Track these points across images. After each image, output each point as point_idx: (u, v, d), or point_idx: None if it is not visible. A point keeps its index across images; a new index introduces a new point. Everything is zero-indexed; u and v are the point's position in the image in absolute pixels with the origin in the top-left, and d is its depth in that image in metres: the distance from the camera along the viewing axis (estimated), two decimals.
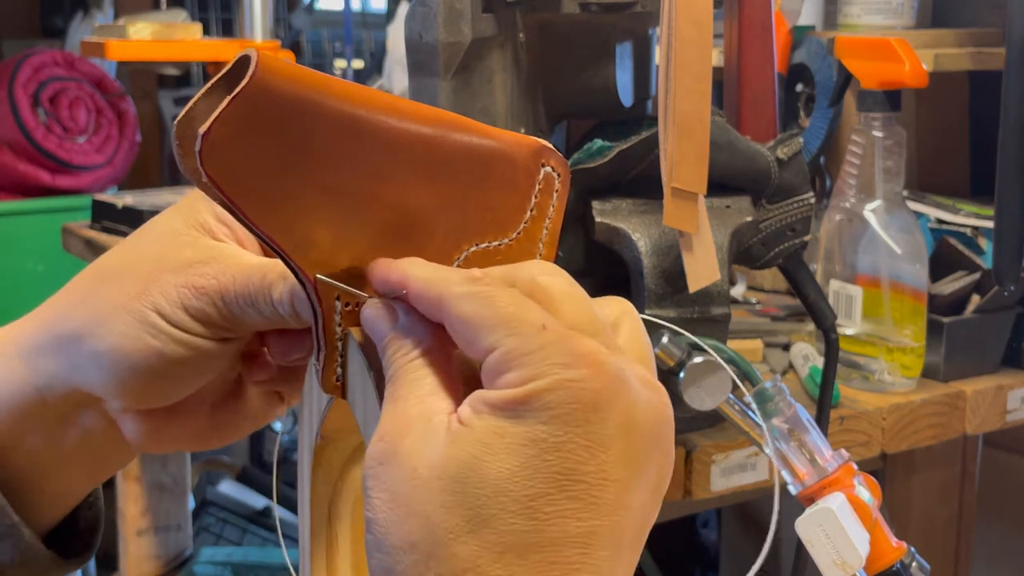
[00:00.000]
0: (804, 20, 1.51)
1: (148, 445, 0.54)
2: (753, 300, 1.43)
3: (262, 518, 2.14)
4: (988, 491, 1.49)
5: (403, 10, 2.37)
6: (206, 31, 2.26)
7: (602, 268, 1.00)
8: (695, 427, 1.05)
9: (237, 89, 0.41)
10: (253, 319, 0.50)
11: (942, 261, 1.25)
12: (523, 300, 0.41)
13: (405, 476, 0.39)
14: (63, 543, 0.56)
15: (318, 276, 0.44)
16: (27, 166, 2.50)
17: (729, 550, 1.94)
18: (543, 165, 0.48)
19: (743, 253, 1.02)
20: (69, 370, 0.51)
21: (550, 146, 0.48)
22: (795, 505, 0.87)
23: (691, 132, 0.87)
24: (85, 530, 0.57)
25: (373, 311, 0.44)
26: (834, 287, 1.19)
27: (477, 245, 0.47)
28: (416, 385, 0.42)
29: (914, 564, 0.86)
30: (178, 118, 0.44)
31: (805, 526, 0.83)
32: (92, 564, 2.27)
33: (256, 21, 2.11)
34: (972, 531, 1.39)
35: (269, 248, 0.44)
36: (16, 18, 3.37)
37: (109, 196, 1.72)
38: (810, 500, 0.86)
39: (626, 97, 1.05)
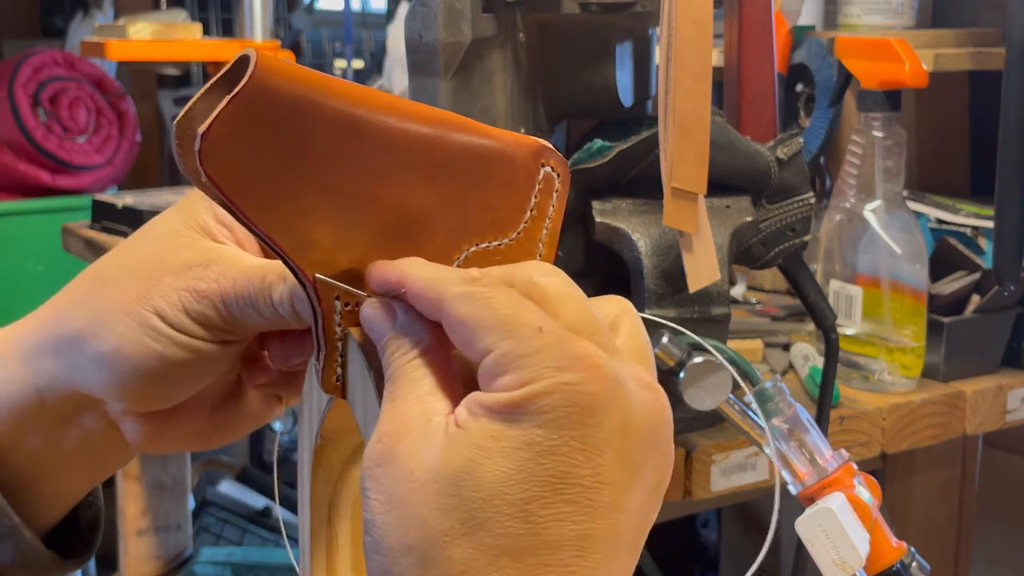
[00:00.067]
0: (804, 20, 1.51)
1: (148, 446, 0.54)
2: (753, 300, 1.43)
3: (262, 518, 2.14)
4: (988, 491, 1.49)
5: (403, 10, 2.37)
6: (206, 31, 2.26)
7: (602, 268, 1.00)
8: (695, 427, 1.05)
9: (236, 89, 0.41)
10: (254, 320, 0.50)
11: (942, 261, 1.25)
12: (521, 301, 0.41)
13: (402, 478, 0.39)
14: (63, 543, 0.56)
15: (318, 276, 0.44)
16: (27, 166, 2.50)
17: (729, 550, 1.94)
18: (543, 165, 0.48)
19: (743, 253, 1.02)
20: (69, 372, 0.51)
21: (550, 146, 0.48)
22: (795, 505, 0.87)
23: (691, 132, 0.87)
24: (85, 529, 0.58)
25: (372, 310, 0.44)
26: (834, 287, 1.19)
27: (477, 245, 0.47)
28: (415, 385, 0.42)
29: (914, 564, 0.86)
30: (177, 118, 0.44)
31: (805, 526, 0.83)
32: (92, 564, 2.27)
33: (256, 21, 2.11)
34: (972, 531, 1.39)
35: (269, 248, 0.44)
36: (16, 18, 3.36)
37: (109, 196, 1.72)
38: (810, 500, 0.86)
39: (626, 97, 1.05)
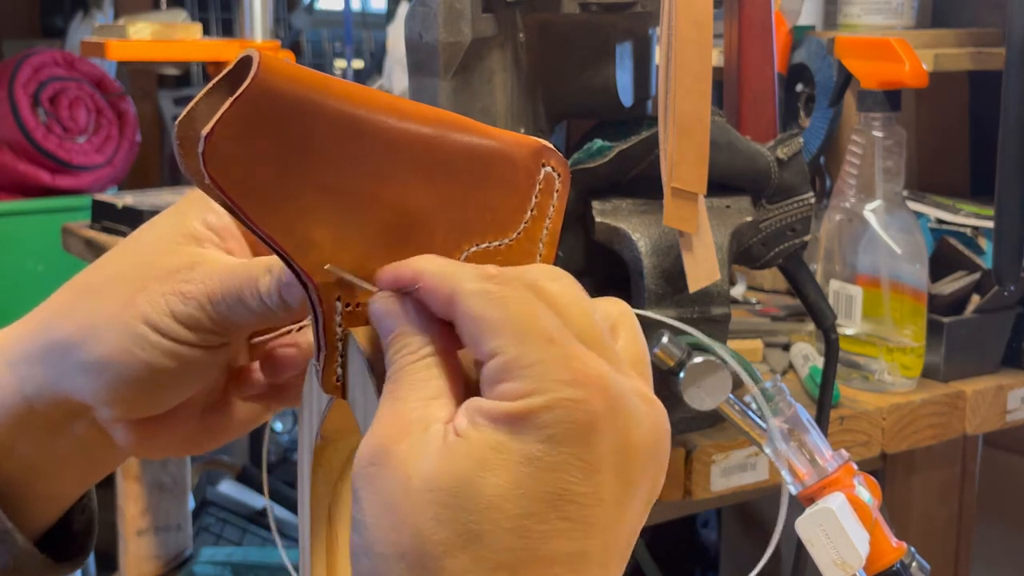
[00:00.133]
0: (804, 20, 1.51)
1: (138, 451, 0.53)
2: (753, 300, 1.43)
3: (262, 518, 2.14)
4: (988, 491, 1.49)
5: (403, 10, 2.37)
6: (206, 31, 2.26)
7: (602, 268, 1.00)
8: (695, 427, 1.05)
9: (239, 90, 0.41)
10: (242, 317, 0.50)
11: (942, 261, 1.25)
12: (534, 306, 0.40)
13: (398, 483, 0.39)
14: (56, 547, 0.55)
15: (328, 267, 0.44)
16: (27, 166, 2.50)
17: (729, 550, 1.94)
18: (543, 165, 0.48)
19: (743, 253, 1.02)
20: (58, 379, 0.51)
21: (550, 146, 0.48)
22: (795, 505, 0.87)
23: (691, 132, 0.87)
24: (79, 533, 0.57)
25: (382, 304, 0.44)
26: (834, 287, 1.19)
27: (477, 245, 0.47)
28: (417, 387, 0.41)
29: (914, 564, 0.86)
30: (179, 119, 0.44)
31: (805, 526, 0.83)
32: (92, 564, 2.27)
33: (256, 21, 2.11)
34: (972, 531, 1.39)
35: (270, 248, 0.44)
36: (16, 18, 3.36)
37: (109, 196, 1.72)
38: (810, 500, 0.86)
39: (626, 97, 1.05)
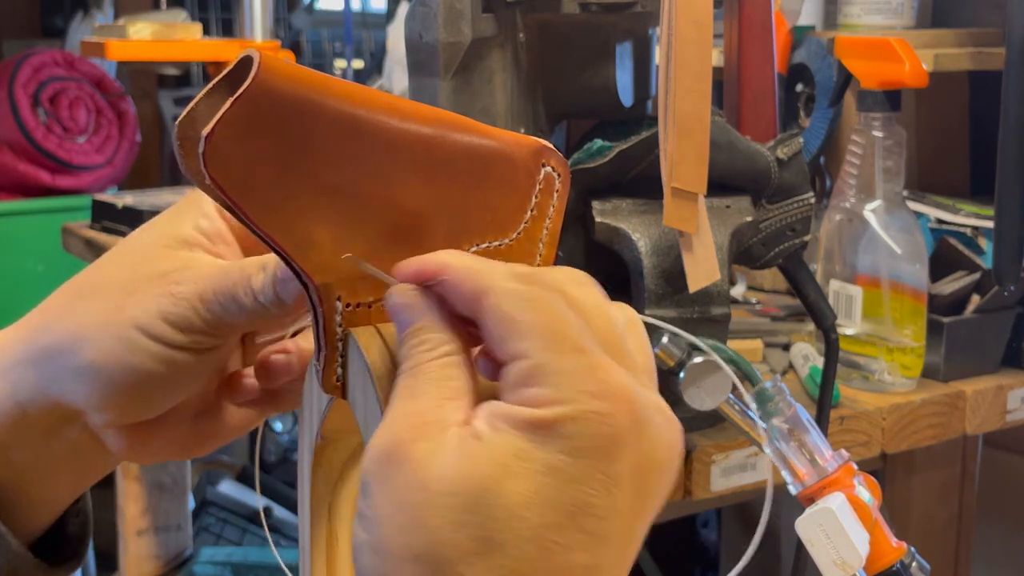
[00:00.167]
0: (804, 20, 1.51)
1: (131, 456, 0.53)
2: (753, 300, 1.43)
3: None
4: (988, 491, 1.49)
5: (403, 10, 2.37)
6: (206, 31, 2.26)
7: (602, 268, 1.00)
8: (695, 427, 1.05)
9: (240, 91, 0.41)
10: (234, 316, 0.49)
11: (942, 261, 1.25)
12: (566, 312, 0.40)
13: (415, 484, 0.38)
14: (51, 551, 0.55)
15: (345, 256, 0.44)
16: (27, 166, 2.50)
17: (729, 550, 1.94)
18: (543, 165, 0.48)
19: (743, 253, 1.02)
20: (50, 383, 0.51)
21: (550, 146, 0.48)
22: (795, 505, 0.87)
23: (691, 132, 0.87)
24: (73, 537, 0.57)
25: (402, 298, 0.43)
26: (834, 287, 1.19)
27: (478, 245, 0.47)
28: (436, 386, 0.40)
29: (914, 564, 0.86)
30: (179, 119, 0.44)
31: (805, 526, 0.83)
32: (92, 564, 2.27)
33: (256, 21, 2.11)
34: (972, 531, 1.39)
35: (270, 248, 0.44)
36: (16, 18, 3.37)
37: (109, 196, 1.72)
38: (810, 500, 0.86)
39: (626, 97, 1.05)
